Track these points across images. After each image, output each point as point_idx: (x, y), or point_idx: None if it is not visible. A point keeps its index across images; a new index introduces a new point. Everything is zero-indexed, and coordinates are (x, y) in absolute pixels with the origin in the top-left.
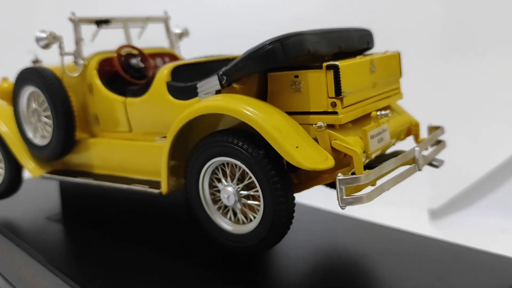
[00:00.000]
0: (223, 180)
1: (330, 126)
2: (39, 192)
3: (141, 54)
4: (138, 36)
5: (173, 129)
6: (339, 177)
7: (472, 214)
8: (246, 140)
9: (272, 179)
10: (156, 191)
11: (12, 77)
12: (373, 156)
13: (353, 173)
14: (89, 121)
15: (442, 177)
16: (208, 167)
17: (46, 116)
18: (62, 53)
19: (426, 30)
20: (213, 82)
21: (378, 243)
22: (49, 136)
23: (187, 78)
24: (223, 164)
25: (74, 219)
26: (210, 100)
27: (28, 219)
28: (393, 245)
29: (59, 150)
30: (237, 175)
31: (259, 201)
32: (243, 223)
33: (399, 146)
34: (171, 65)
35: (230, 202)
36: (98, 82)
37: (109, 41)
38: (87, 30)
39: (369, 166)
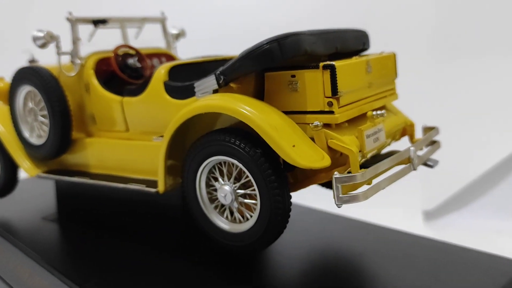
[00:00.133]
0: (220, 179)
1: (327, 126)
2: (35, 192)
3: (138, 54)
4: (135, 36)
5: (170, 128)
6: (335, 176)
7: (466, 215)
8: (243, 139)
9: (269, 177)
10: (152, 190)
11: (8, 77)
12: (368, 155)
13: (349, 172)
14: (86, 120)
15: (436, 178)
16: (205, 166)
17: (42, 116)
18: (59, 53)
19: (418, 32)
20: (210, 81)
21: (372, 242)
22: (46, 136)
23: (184, 78)
24: (220, 163)
25: (70, 219)
26: (208, 99)
27: (24, 219)
28: (388, 244)
29: (56, 150)
30: (234, 174)
31: (255, 200)
32: (240, 222)
33: (394, 146)
34: (168, 65)
35: (227, 201)
36: (95, 82)
37: (106, 41)
38: (84, 30)
39: (364, 165)
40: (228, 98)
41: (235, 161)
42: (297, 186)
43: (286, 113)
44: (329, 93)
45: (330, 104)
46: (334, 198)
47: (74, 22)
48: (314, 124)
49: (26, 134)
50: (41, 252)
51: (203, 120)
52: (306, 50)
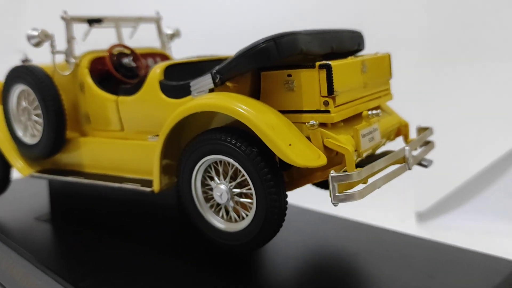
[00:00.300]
0: (216, 178)
1: (322, 125)
2: (27, 192)
3: (133, 53)
4: (130, 36)
5: (166, 127)
6: (331, 174)
7: (459, 216)
8: (239, 138)
9: (265, 176)
10: (148, 189)
11: (0, 77)
12: (364, 155)
13: (345, 171)
14: (80, 120)
15: (429, 180)
16: (201, 165)
17: (36, 115)
18: (54, 52)
19: (411, 33)
20: (206, 80)
21: (367, 242)
22: (39, 135)
23: (179, 78)
24: (216, 162)
25: (63, 219)
26: (204, 98)
27: (16, 220)
28: (382, 244)
29: (49, 149)
30: (230, 173)
31: (251, 199)
32: (236, 221)
33: (388, 146)
34: (163, 64)
35: (222, 200)
36: (89, 81)
37: (99, 41)
38: (79, 29)
39: (359, 165)
40: (224, 97)
41: (231, 160)
42: (293, 185)
43: (282, 112)
44: (325, 93)
45: (326, 103)
46: (330, 196)
47: (68, 21)
48: (310, 123)
49: (20, 133)
50: (34, 252)
51: (199, 119)
52: (302, 49)
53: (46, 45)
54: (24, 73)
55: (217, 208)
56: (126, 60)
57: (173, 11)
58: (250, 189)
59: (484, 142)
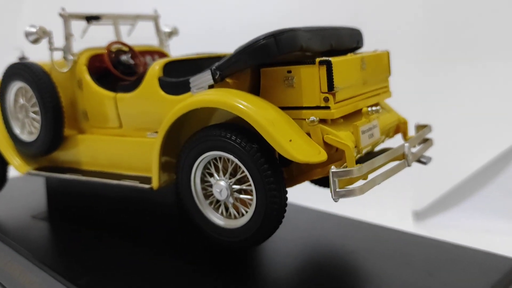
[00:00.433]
0: (215, 175)
1: (322, 121)
2: (24, 191)
3: (131, 50)
4: (128, 34)
5: (165, 123)
6: (332, 170)
7: (456, 215)
8: (239, 135)
9: (265, 172)
10: (146, 186)
11: None
12: (363, 152)
13: (345, 167)
14: (78, 117)
15: (426, 178)
16: (200, 162)
17: (34, 112)
18: (52, 48)
19: (409, 31)
20: (206, 76)
21: (366, 240)
22: (37, 132)
23: (178, 75)
24: (215, 159)
25: (60, 218)
26: (204, 94)
27: (13, 218)
28: (381, 242)
29: (47, 146)
30: (230, 169)
31: (251, 195)
32: (235, 217)
33: (387, 144)
34: (162, 61)
35: (222, 196)
36: (88, 78)
37: (96, 38)
38: (77, 26)
39: (359, 162)
40: (224, 93)
41: (231, 156)
42: (292, 181)
43: (282, 108)
44: (325, 89)
45: (326, 99)
46: (331, 192)
47: (66, 18)
48: (310, 119)
49: (17, 130)
50: (32, 250)
51: (198, 116)
52: (302, 46)
53: (43, 43)
54: (22, 70)
55: (216, 204)
56: (124, 57)
57: (171, 9)
58: (249, 185)
59: (481, 141)
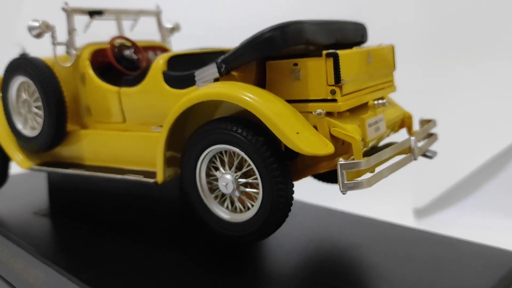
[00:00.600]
0: (221, 168)
1: (329, 114)
2: (26, 187)
3: (134, 45)
4: (130, 29)
5: (171, 117)
6: (340, 162)
7: (457, 212)
8: (245, 128)
9: (271, 166)
10: (151, 180)
11: None
12: (369, 145)
13: (352, 160)
14: (80, 112)
15: (427, 176)
16: (205, 155)
17: (36, 107)
18: (55, 43)
19: (410, 30)
20: (211, 70)
21: (370, 236)
22: (40, 127)
23: (182, 69)
24: (220, 152)
25: (62, 214)
26: (209, 87)
27: (15, 215)
28: (385, 238)
29: (50, 141)
30: (235, 163)
31: (257, 189)
32: (241, 211)
33: (391, 139)
34: (167, 55)
35: (228, 190)
36: (91, 72)
37: (96, 33)
38: (79, 21)
39: (364, 156)
40: (231, 85)
41: (237, 150)
42: (297, 175)
43: (288, 101)
44: (332, 81)
45: (333, 92)
46: (339, 184)
47: (69, 12)
48: (317, 112)
49: (19, 126)
50: (35, 245)
51: (203, 110)
52: (308, 38)
53: (44, 39)
54: (24, 64)
55: (221, 198)
56: (127, 52)
57: (173, 5)
58: (256, 179)
59: (482, 138)
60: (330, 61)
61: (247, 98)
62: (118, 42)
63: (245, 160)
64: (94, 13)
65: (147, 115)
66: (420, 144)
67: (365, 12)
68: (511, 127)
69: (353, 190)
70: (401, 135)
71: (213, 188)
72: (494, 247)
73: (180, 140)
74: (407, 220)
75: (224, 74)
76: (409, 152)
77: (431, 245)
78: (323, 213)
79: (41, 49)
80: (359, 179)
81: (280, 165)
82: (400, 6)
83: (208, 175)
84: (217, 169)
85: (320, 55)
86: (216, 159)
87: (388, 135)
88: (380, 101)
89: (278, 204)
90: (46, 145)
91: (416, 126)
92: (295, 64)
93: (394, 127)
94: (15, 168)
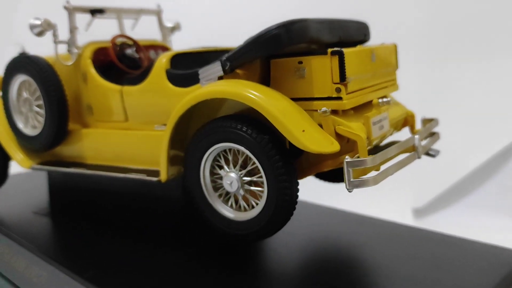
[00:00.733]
0: (225, 167)
1: (334, 112)
2: (26, 187)
3: (136, 44)
4: (131, 28)
5: (175, 115)
6: (346, 160)
7: (456, 212)
8: (249, 126)
9: (276, 164)
10: (154, 179)
11: None
12: (373, 143)
13: (357, 157)
14: (82, 111)
15: (426, 176)
16: (210, 153)
17: (37, 106)
18: (56, 41)
19: (411, 30)
20: (215, 68)
21: (372, 235)
22: (41, 126)
23: (185, 67)
24: (225, 151)
25: (62, 213)
26: (214, 85)
27: (15, 214)
28: (387, 236)
29: (51, 140)
30: (240, 161)
31: (262, 187)
32: (245, 210)
33: (393, 138)
34: (169, 54)
35: (233, 188)
36: (92, 71)
37: (96, 32)
38: (80, 19)
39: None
40: (235, 83)
41: (242, 148)
42: (302, 174)
43: (293, 100)
44: (337, 79)
45: (338, 90)
46: (345, 182)
47: (71, 10)
48: (322, 110)
49: (20, 125)
50: (37, 244)
51: (206, 109)
52: (312, 37)
53: (45, 37)
54: (26, 63)
55: (225, 197)
56: (129, 51)
57: (174, 4)
58: (260, 177)
59: (481, 138)
60: (336, 59)
61: (252, 96)
62: (119, 40)
63: (250, 159)
64: (95, 12)
65: (150, 113)
66: (423, 142)
67: (367, 12)
68: (511, 127)
69: (359, 188)
70: (401, 135)
71: (217, 187)
72: (497, 246)
73: (183, 139)
74: (407, 219)
75: (228, 72)
76: (412, 150)
77: (433, 244)
78: (324, 212)
79: (39, 48)
80: (365, 177)
81: (285, 163)
82: (402, 6)
83: (212, 173)
84: (221, 167)
85: (324, 53)
86: (220, 157)
87: (391, 134)
88: (384, 100)
89: (283, 202)
90: (47, 144)
91: (418, 125)
92: (300, 62)
93: (398, 126)
94: (15, 168)
